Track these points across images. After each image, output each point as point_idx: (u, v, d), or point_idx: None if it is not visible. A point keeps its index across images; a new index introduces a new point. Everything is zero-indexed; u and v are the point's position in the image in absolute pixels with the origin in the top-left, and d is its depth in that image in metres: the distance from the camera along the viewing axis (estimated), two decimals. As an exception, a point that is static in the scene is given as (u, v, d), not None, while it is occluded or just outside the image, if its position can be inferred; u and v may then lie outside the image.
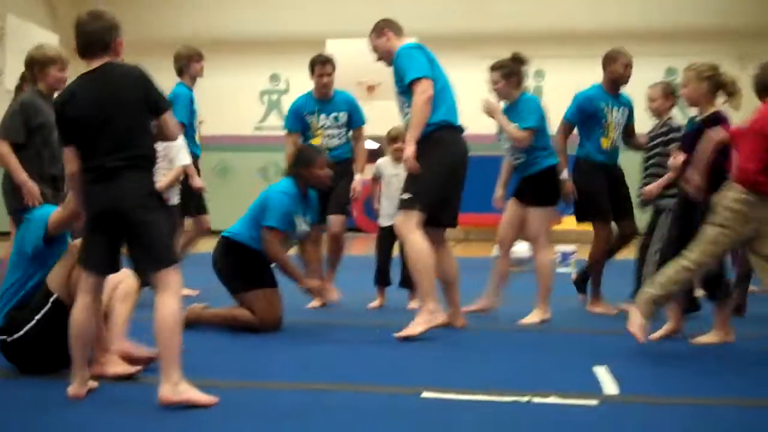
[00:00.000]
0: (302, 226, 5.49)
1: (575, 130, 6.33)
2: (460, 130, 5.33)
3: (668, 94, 5.97)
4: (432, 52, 5.36)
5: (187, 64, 6.89)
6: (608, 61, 6.36)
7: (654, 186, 5.73)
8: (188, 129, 6.74)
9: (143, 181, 3.51)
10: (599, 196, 6.17)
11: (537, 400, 3.56)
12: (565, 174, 6.03)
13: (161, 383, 3.40)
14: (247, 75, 17.73)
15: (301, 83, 18.23)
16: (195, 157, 6.81)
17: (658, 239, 5.64)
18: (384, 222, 6.50)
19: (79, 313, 3.57)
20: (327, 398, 3.64)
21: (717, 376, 4.22)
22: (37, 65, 5.25)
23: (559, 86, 16.83)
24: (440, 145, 5.15)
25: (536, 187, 5.80)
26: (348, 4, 17.27)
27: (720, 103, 5.05)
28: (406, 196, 5.13)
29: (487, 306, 6.04)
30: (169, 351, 3.41)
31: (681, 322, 5.19)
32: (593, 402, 3.56)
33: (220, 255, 5.47)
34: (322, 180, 5.53)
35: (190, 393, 3.43)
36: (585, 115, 6.22)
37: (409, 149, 5.06)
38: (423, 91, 5.05)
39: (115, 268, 3.62)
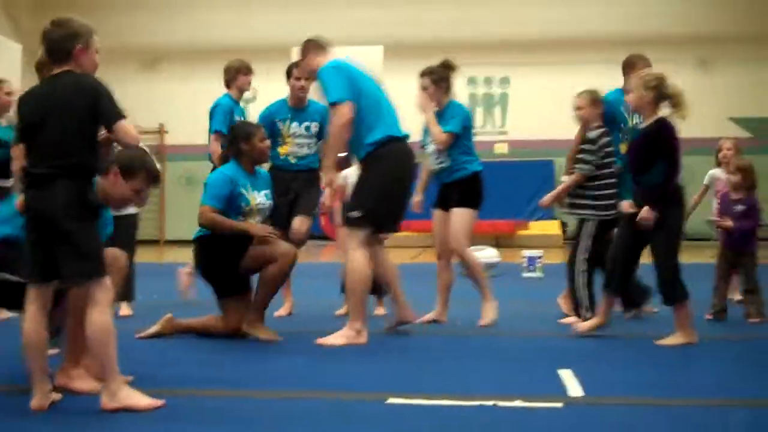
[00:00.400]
0: (259, 199, 5.41)
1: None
2: (404, 139, 5.32)
3: (595, 101, 5.89)
4: (364, 65, 5.44)
5: (235, 76, 6.81)
6: (627, 67, 6.19)
7: (550, 196, 5.95)
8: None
9: (75, 190, 3.45)
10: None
11: (502, 404, 3.56)
12: (564, 178, 6.06)
13: (101, 392, 3.47)
14: (212, 83, 17.58)
15: (269, 92, 18.19)
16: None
17: (583, 249, 5.66)
18: None
19: (27, 323, 3.53)
20: (293, 406, 3.63)
21: (681, 377, 4.25)
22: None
23: (524, 93, 17.06)
24: (385, 161, 5.17)
25: (461, 191, 5.83)
26: (314, 12, 17.27)
27: (666, 112, 5.17)
28: (353, 214, 5.13)
29: (439, 317, 5.99)
30: (104, 363, 3.46)
31: (609, 315, 5.32)
32: (558, 404, 3.57)
33: (198, 258, 5.45)
34: (264, 152, 5.48)
35: (131, 399, 3.47)
36: (605, 119, 5.99)
37: (327, 177, 5.19)
38: (340, 116, 5.06)
39: (59, 276, 3.53)
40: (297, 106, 6.49)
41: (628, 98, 5.24)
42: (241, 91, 6.75)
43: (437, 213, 5.96)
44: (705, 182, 7.22)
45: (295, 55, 14.00)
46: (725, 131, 16.46)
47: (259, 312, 5.32)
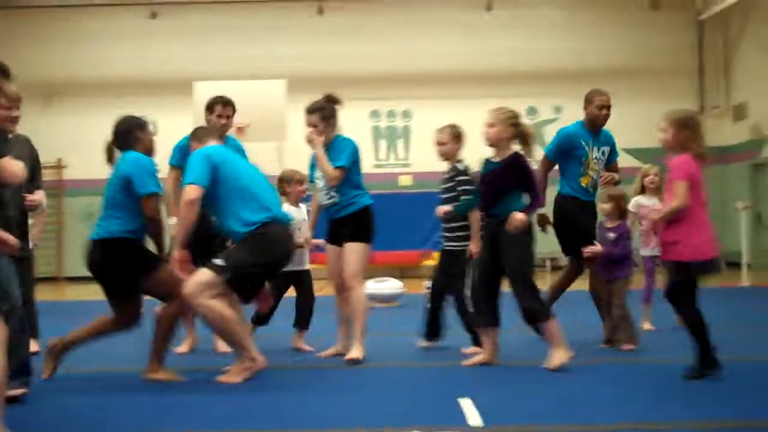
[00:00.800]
0: None
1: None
2: (282, 221, 5.28)
3: (456, 136, 6.15)
4: (233, 148, 5.52)
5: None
6: (585, 102, 6.54)
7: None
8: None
9: None
10: (587, 230, 6.26)
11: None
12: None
13: None
14: (111, 117, 17.27)
15: (169, 125, 18.11)
16: None
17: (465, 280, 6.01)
18: None
19: None
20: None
21: (579, 401, 4.34)
22: None
23: (427, 125, 17.28)
24: (265, 241, 5.10)
25: (353, 225, 5.79)
26: (216, 46, 17.21)
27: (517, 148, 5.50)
28: (219, 262, 5.05)
29: (342, 350, 5.98)
30: None
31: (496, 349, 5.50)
32: (456, 434, 3.62)
33: (93, 257, 5.22)
34: (152, 143, 5.48)
35: None
36: (564, 152, 6.36)
37: (176, 254, 5.07)
38: (186, 195, 5.09)
39: None
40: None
41: (487, 131, 5.45)
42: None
43: (330, 248, 5.95)
44: (631, 209, 7.12)
45: (198, 90, 14.02)
46: (620, 162, 17.10)
47: (157, 356, 5.21)
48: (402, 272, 13.95)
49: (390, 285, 10.28)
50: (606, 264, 6.11)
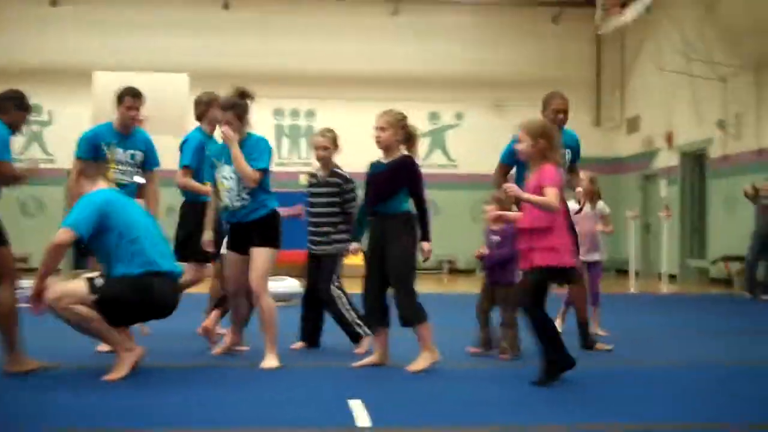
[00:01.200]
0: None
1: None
2: (167, 274, 5.14)
3: (334, 142, 6.26)
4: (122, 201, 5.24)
5: (206, 110, 6.62)
6: (543, 105, 6.44)
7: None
8: (196, 173, 6.48)
9: None
10: None
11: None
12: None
13: None
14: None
15: (66, 115, 17.62)
16: (193, 203, 6.48)
17: (334, 280, 6.16)
18: None
19: None
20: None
21: (468, 404, 4.41)
22: None
23: (330, 125, 17.25)
24: (145, 287, 5.00)
25: (262, 229, 5.54)
26: (118, 36, 16.84)
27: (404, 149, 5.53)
28: (98, 282, 4.97)
29: (233, 343, 5.96)
30: None
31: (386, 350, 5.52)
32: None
33: None
34: (20, 122, 5.36)
35: None
36: (515, 155, 5.95)
37: (35, 289, 4.94)
38: (57, 239, 4.93)
39: None
40: (123, 132, 6.32)
41: (380, 135, 5.46)
42: (214, 124, 6.52)
43: (232, 255, 5.65)
44: None
45: (97, 80, 13.67)
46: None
47: (11, 347, 5.05)
48: (302, 271, 13.90)
49: (287, 284, 10.28)
50: (491, 267, 6.13)
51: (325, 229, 6.19)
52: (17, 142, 17.82)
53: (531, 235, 4.88)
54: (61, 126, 16.21)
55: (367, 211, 5.61)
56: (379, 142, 5.49)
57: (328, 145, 6.25)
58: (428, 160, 17.15)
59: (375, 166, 5.60)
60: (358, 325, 6.09)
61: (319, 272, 6.20)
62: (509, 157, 6.17)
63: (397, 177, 5.44)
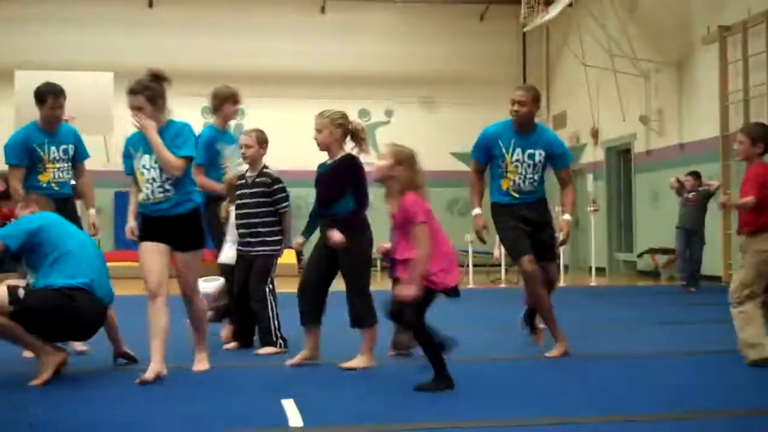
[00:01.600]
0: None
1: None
2: (95, 295, 5.01)
3: (262, 143, 6.19)
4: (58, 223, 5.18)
5: (220, 104, 6.49)
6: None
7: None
8: (208, 170, 6.35)
9: None
10: (506, 235, 5.91)
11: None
12: (477, 210, 5.92)
13: None
14: None
15: (-14, 115, 17.05)
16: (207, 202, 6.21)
17: (268, 282, 6.11)
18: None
19: None
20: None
21: (402, 402, 4.42)
22: None
23: (259, 125, 17.18)
24: (68, 303, 4.88)
25: (189, 228, 5.13)
26: (40, 34, 16.46)
27: (350, 148, 5.49)
28: (20, 292, 4.86)
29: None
30: None
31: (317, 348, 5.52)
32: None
33: None
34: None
35: None
36: (483, 152, 5.95)
37: None
38: None
39: None
40: (50, 130, 6.21)
41: (318, 137, 5.43)
42: (227, 120, 6.45)
43: (150, 246, 5.09)
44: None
45: (20, 79, 13.33)
46: (447, 165, 17.65)
47: None
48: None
49: (219, 284, 10.15)
50: (393, 263, 6.05)
51: (257, 230, 6.11)
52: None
53: (409, 265, 4.63)
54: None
55: (317, 212, 5.59)
56: (318, 144, 5.47)
57: (251, 144, 6.17)
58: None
59: (320, 168, 5.57)
60: (277, 336, 6.03)
61: (253, 273, 6.11)
62: (475, 153, 6.03)
63: (340, 177, 5.41)
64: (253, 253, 6.14)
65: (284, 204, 6.14)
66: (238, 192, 6.24)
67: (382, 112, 18.17)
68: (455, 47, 18.04)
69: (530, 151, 5.81)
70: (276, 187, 6.12)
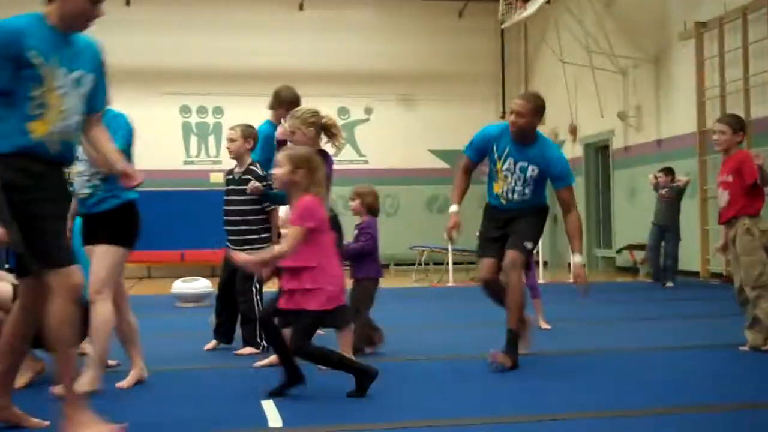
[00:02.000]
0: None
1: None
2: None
3: (247, 137, 6.16)
4: None
5: (279, 106, 6.27)
6: None
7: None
8: (266, 167, 6.10)
9: None
10: (479, 236, 5.76)
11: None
12: (454, 207, 5.62)
13: None
14: None
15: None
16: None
17: (254, 282, 6.00)
18: None
19: None
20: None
21: (377, 402, 4.38)
22: None
23: (237, 122, 17.12)
24: None
25: (112, 224, 4.71)
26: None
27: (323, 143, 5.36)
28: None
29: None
30: None
31: None
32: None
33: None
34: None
35: None
36: (477, 152, 5.69)
37: None
38: None
39: None
40: None
41: (293, 138, 5.24)
42: (279, 121, 6.11)
43: (90, 251, 4.76)
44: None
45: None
46: (426, 163, 17.69)
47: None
48: (213, 271, 13.73)
49: (198, 284, 10.13)
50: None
51: (243, 227, 6.04)
52: None
53: (296, 275, 4.36)
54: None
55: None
56: (295, 145, 5.38)
57: (235, 137, 6.13)
58: (339, 156, 17.13)
59: None
60: (261, 337, 5.93)
61: (239, 272, 5.86)
62: (469, 150, 5.76)
63: None
64: (250, 248, 5.94)
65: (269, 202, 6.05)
66: (226, 188, 6.18)
67: (362, 110, 18.15)
68: (434, 44, 18.05)
69: (522, 164, 5.47)
70: (263, 184, 6.01)
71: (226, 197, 6.19)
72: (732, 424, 3.81)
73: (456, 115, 17.44)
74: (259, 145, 6.22)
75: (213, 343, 6.28)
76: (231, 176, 6.21)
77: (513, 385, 4.73)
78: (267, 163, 6.09)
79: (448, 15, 18.30)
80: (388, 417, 4.01)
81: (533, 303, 7.18)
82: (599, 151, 16.61)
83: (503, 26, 16.85)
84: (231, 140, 6.16)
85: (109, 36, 18.95)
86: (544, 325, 7.20)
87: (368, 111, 18.17)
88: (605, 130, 15.68)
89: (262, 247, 5.96)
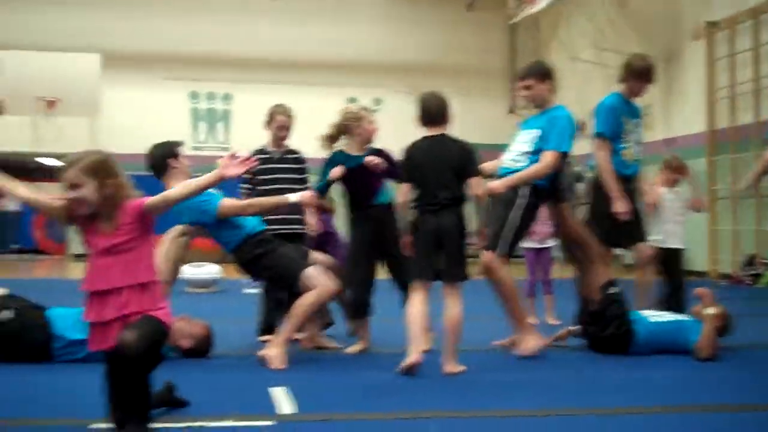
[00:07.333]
0: None
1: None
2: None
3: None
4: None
5: (627, 78, 6.01)
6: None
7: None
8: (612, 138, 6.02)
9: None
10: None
11: (212, 424, 3.57)
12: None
13: None
14: None
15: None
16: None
17: None
18: None
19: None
20: None
21: (393, 390, 4.41)
22: None
23: (248, 110, 17.15)
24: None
25: None
26: (27, 14, 16.31)
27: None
28: None
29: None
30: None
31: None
32: (268, 423, 3.62)
33: None
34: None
35: None
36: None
37: None
38: None
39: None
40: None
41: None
42: (633, 95, 6.03)
43: None
44: None
45: (5, 60, 13.18)
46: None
47: None
48: (221, 257, 13.74)
49: (207, 270, 10.16)
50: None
51: (299, 215, 5.79)
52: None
53: (126, 296, 3.23)
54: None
55: (357, 205, 5.58)
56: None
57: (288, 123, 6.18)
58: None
59: (351, 159, 5.54)
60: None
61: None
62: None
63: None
64: (297, 231, 5.84)
65: (308, 184, 5.98)
66: (263, 166, 5.99)
67: (371, 101, 18.13)
68: (443, 37, 18.03)
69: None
70: (305, 165, 6.10)
71: (267, 176, 6.02)
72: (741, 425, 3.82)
73: (464, 109, 17.34)
74: (603, 117, 5.92)
75: (268, 337, 5.80)
76: (268, 155, 6.09)
77: (518, 381, 4.73)
78: (614, 137, 5.87)
79: (456, 8, 18.25)
80: (406, 406, 4.01)
81: (546, 299, 7.27)
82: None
83: (513, 21, 16.81)
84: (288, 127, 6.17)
85: (119, 19, 18.91)
86: (554, 321, 7.13)
87: (378, 101, 18.15)
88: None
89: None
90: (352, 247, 5.57)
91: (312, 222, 5.80)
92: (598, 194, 5.85)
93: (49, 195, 3.48)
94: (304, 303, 5.02)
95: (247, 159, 3.56)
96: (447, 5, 18.21)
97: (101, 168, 3.25)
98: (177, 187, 3.52)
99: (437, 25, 18.08)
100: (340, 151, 5.60)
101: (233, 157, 3.54)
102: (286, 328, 5.07)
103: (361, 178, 5.50)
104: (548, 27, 17.74)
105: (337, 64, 17.39)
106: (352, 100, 17.80)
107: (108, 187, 3.24)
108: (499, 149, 6.61)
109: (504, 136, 6.74)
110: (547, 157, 5.39)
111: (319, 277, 5.07)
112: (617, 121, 5.85)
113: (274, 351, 4.96)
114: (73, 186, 3.22)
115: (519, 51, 18.74)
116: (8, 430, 3.51)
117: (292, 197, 5.17)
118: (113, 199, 3.25)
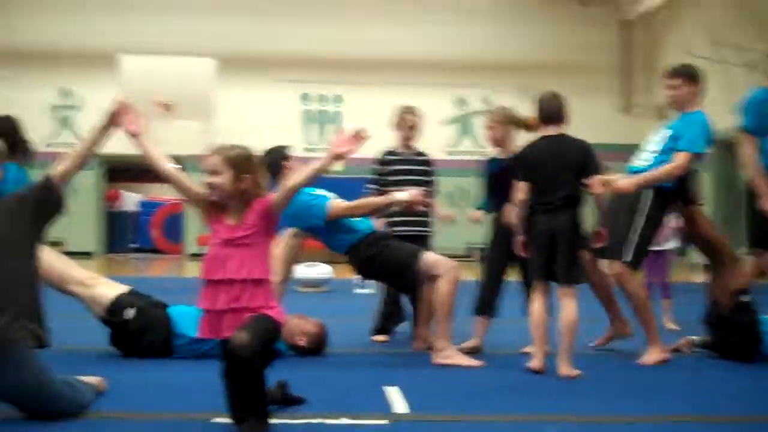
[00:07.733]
0: None
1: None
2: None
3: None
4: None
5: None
6: None
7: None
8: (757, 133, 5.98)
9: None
10: None
11: (329, 421, 3.59)
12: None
13: None
14: (34, 89, 16.72)
15: (96, 99, 17.63)
16: None
17: None
18: None
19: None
20: (116, 427, 3.55)
21: (506, 392, 4.37)
22: None
23: (358, 111, 17.26)
24: None
25: None
26: (144, 17, 16.86)
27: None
28: None
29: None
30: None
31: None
32: (383, 421, 3.63)
33: None
34: None
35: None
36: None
37: None
38: None
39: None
40: None
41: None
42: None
43: None
44: None
45: (124, 63, 13.63)
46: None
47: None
48: (331, 257, 13.89)
49: (319, 270, 10.27)
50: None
51: (424, 208, 5.74)
52: (47, 127, 17.87)
53: (239, 289, 3.33)
54: (91, 110, 16.30)
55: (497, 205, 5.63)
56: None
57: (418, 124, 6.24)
58: (457, 147, 17.09)
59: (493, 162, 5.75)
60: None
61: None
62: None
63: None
64: (422, 233, 5.99)
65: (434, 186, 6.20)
66: (391, 168, 6.08)
67: (480, 101, 18.00)
68: (554, 33, 17.72)
69: None
70: (433, 167, 6.24)
71: (393, 177, 6.03)
72: None
73: (575, 108, 17.08)
74: (749, 112, 5.80)
75: (382, 337, 6.06)
76: (396, 156, 6.16)
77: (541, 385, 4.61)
78: (761, 132, 5.68)
79: (568, 3, 17.93)
80: (517, 408, 3.96)
81: (664, 302, 7.09)
82: (727, 147, 15.96)
83: (627, 17, 16.42)
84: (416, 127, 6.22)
85: (233, 22, 19.29)
86: (673, 326, 6.91)
87: (487, 101, 18.02)
88: (733, 125, 15.05)
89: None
90: (492, 247, 5.64)
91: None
92: (748, 194, 5.65)
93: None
94: (440, 294, 4.99)
95: (358, 135, 3.60)
96: (559, 1, 17.91)
97: (241, 162, 3.41)
98: (293, 176, 3.66)
99: (549, 21, 17.80)
100: (494, 158, 5.76)
101: (343, 134, 3.59)
102: (440, 326, 5.05)
103: (504, 182, 5.45)
104: (662, 23, 17.25)
105: (446, 64, 17.33)
106: (461, 100, 17.75)
107: (244, 181, 3.40)
108: (610, 149, 6.47)
109: (615, 135, 6.58)
110: (679, 158, 5.24)
111: (438, 262, 5.07)
112: (764, 116, 5.58)
113: (446, 350, 5.02)
114: (213, 172, 3.39)
115: (633, 47, 18.29)
116: (134, 424, 3.62)
117: (399, 195, 5.18)
118: (246, 193, 3.41)
